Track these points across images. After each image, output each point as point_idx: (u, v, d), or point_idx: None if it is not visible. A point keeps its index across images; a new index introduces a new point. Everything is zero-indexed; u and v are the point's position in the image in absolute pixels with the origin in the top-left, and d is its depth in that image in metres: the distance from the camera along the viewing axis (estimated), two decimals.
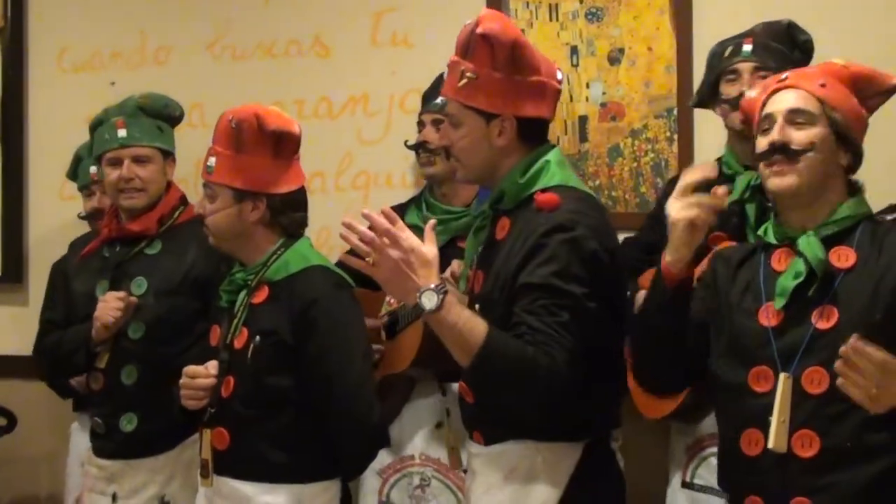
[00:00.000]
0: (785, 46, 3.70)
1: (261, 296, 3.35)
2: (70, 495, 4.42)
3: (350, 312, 3.35)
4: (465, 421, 3.24)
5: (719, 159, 3.71)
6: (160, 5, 4.87)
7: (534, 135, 3.10)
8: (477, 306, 3.00)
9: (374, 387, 3.38)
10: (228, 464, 3.30)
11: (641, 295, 3.04)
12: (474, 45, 3.04)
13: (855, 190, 2.85)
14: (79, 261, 4.05)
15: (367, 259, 2.80)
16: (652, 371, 3.04)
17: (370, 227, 2.79)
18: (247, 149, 3.33)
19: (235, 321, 3.34)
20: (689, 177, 2.82)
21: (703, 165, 2.92)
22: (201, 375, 3.29)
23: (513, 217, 3.09)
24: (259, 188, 3.34)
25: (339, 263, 4.15)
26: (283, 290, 3.33)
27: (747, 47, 3.68)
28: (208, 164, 3.34)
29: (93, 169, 4.24)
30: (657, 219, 3.67)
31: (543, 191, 3.05)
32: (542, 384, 2.83)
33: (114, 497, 3.76)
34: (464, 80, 3.05)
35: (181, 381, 3.29)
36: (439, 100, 3.91)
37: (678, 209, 2.79)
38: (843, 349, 2.45)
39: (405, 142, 4.18)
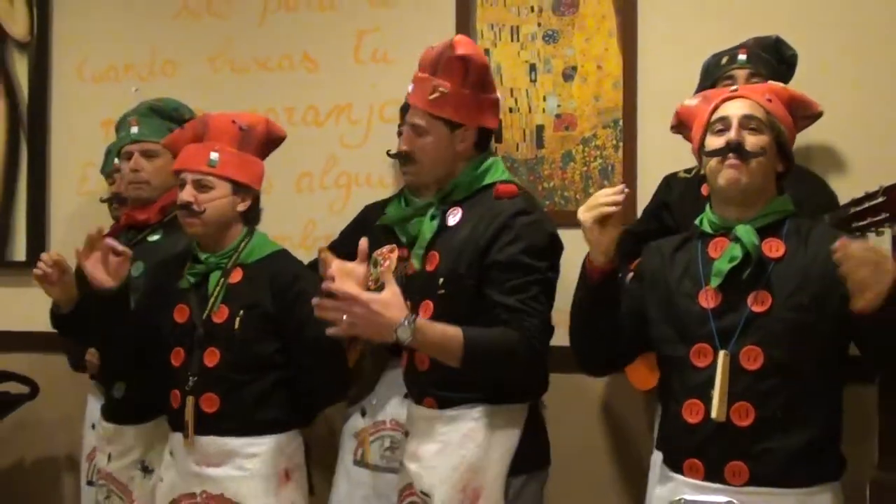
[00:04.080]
0: (773, 59, 3.75)
1: (236, 276, 3.42)
2: (84, 453, 4.46)
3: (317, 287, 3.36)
4: (414, 388, 3.26)
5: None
6: (169, 24, 4.87)
7: (485, 142, 3.23)
8: (441, 280, 3.12)
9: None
10: (215, 424, 3.35)
11: (629, 277, 3.11)
12: (448, 64, 3.12)
13: (781, 192, 2.91)
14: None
15: (342, 321, 2.88)
16: (582, 350, 3.03)
17: (328, 295, 2.89)
18: (250, 149, 3.46)
19: (213, 299, 3.40)
20: (600, 194, 2.85)
21: (615, 188, 2.86)
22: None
23: (465, 206, 3.18)
24: (252, 183, 3.48)
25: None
26: (259, 270, 3.42)
27: (742, 56, 3.71)
28: (210, 158, 3.38)
29: (116, 161, 4.20)
30: (648, 212, 3.95)
31: (501, 182, 3.19)
32: (522, 356, 3.01)
33: (109, 457, 3.80)
34: (436, 94, 3.11)
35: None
36: None
37: (582, 212, 2.82)
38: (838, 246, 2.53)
39: (388, 151, 3.90)
